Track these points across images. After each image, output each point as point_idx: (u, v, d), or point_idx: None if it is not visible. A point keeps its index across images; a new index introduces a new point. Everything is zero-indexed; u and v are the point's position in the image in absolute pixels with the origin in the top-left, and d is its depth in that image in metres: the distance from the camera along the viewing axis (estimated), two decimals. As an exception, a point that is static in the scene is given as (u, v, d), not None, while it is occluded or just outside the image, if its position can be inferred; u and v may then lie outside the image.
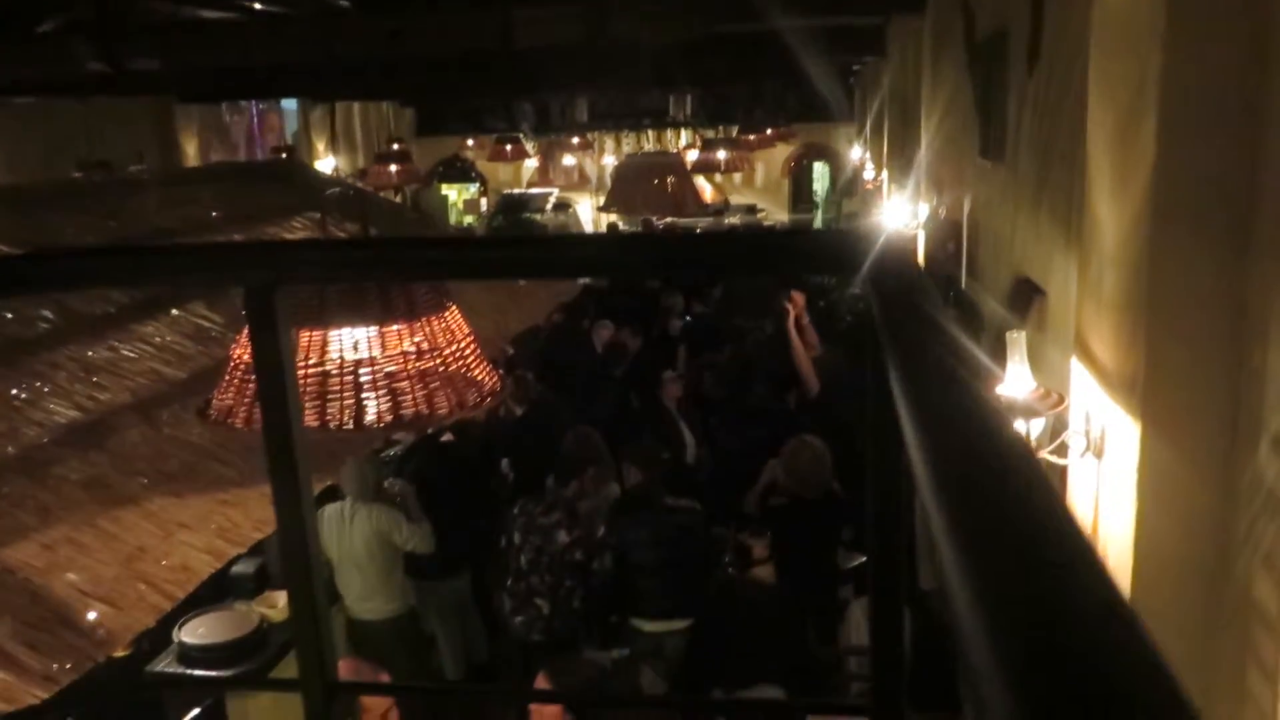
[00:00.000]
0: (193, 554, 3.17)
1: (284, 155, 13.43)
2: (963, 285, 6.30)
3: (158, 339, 4.26)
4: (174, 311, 4.49)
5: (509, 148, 18.44)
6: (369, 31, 6.31)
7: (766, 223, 18.97)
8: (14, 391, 3.48)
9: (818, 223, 21.65)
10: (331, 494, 5.83)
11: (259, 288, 1.04)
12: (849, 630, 5.63)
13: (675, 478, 6.36)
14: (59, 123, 10.28)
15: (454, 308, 2.13)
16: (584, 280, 13.73)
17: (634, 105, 18.83)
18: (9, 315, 3.87)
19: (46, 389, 3.64)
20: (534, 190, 21.76)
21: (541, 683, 4.33)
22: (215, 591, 5.50)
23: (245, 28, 6.36)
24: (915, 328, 0.65)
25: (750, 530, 6.57)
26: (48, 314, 4.09)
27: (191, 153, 12.57)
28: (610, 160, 21.09)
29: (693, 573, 5.74)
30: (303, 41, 6.26)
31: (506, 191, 21.55)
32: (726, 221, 17.94)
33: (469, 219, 21.22)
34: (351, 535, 5.69)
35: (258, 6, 6.29)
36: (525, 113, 19.63)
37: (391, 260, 1.08)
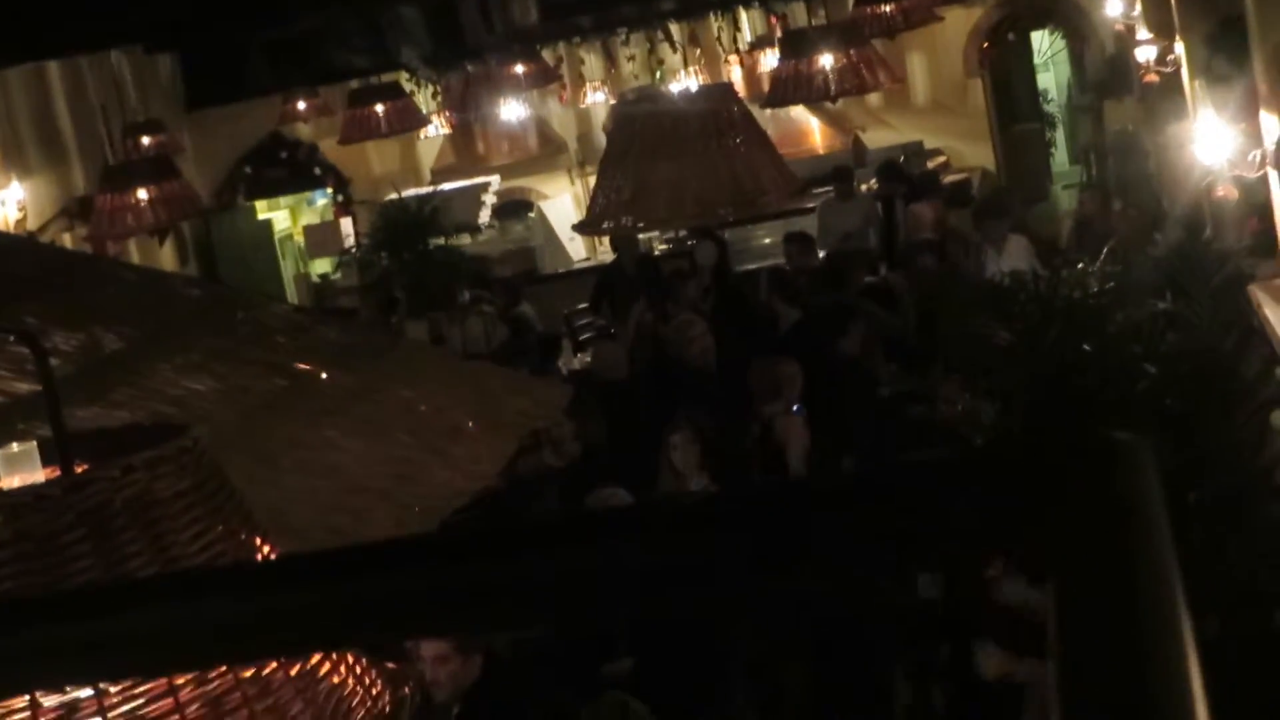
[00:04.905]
0: None
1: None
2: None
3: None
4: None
5: (380, 108, 9.52)
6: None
7: (952, 177, 10.39)
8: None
9: (1060, 150, 11.87)
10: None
11: None
12: None
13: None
14: None
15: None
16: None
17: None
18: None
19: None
20: (449, 186, 11.52)
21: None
22: None
23: None
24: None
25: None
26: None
27: None
28: (601, 99, 12.20)
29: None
30: None
31: (391, 197, 10.20)
32: (863, 187, 9.66)
33: (322, 268, 11.68)
34: None
35: None
36: (405, 27, 10.26)
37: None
